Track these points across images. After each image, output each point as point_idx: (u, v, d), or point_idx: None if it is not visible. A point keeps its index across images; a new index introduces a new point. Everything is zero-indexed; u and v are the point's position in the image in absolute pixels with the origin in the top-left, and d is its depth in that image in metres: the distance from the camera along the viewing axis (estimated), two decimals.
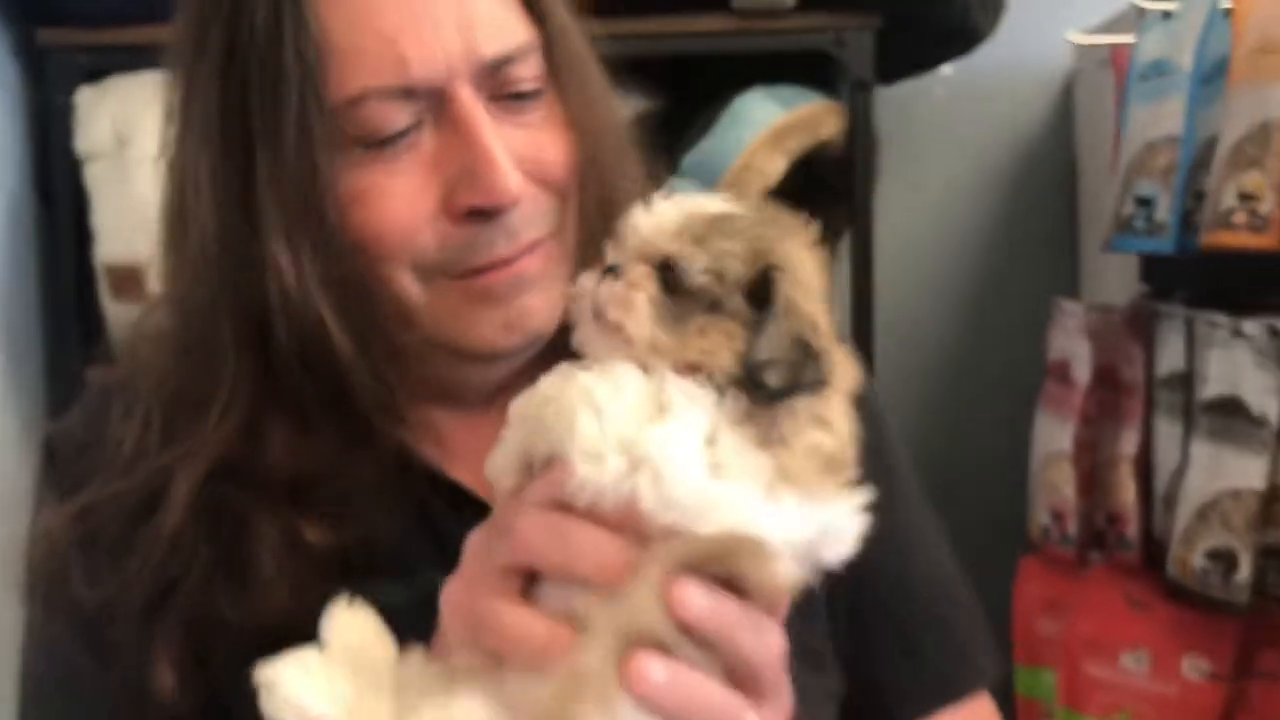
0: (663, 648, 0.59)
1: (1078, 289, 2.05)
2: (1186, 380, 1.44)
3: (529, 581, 0.64)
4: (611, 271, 0.67)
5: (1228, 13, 1.38)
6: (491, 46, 0.75)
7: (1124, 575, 1.56)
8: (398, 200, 0.75)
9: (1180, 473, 1.42)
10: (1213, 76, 1.40)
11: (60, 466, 0.85)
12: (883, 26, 1.74)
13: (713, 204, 0.67)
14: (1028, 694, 1.68)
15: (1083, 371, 1.60)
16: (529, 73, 0.78)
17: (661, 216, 0.66)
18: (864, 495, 0.66)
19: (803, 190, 1.87)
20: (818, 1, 1.71)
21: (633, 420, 0.61)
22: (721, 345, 0.63)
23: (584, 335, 0.69)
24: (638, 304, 0.65)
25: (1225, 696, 1.44)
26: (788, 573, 0.62)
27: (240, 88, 0.75)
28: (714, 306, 0.64)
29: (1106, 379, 1.61)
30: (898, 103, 2.07)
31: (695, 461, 0.61)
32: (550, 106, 0.80)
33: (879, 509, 0.68)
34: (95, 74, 1.70)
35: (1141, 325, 1.56)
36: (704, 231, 0.65)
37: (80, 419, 0.88)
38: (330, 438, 0.80)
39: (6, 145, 1.73)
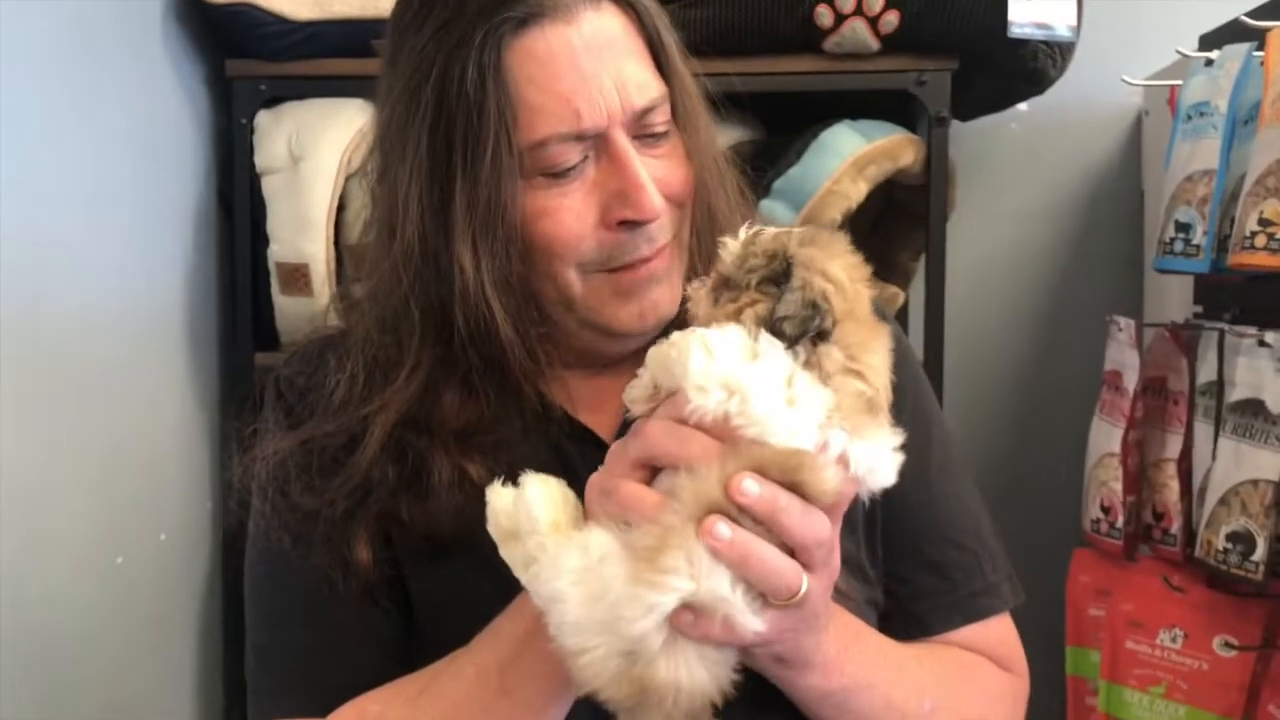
0: (732, 519, 0.79)
1: (1141, 309, 2.11)
2: (1220, 387, 1.55)
3: (650, 476, 0.84)
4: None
5: (1263, 62, 1.49)
6: (639, 100, 0.95)
7: (1166, 565, 1.68)
8: (570, 215, 0.96)
9: (1209, 466, 1.54)
10: (1249, 118, 1.52)
11: (286, 402, 1.06)
12: (959, 69, 1.85)
13: (770, 230, 0.91)
14: (1075, 672, 1.80)
15: (1132, 380, 1.70)
16: (662, 118, 0.98)
17: (735, 243, 0.90)
18: (900, 436, 0.86)
19: (884, 215, 2.04)
20: (900, 46, 1.81)
21: (733, 361, 0.83)
22: (745, 310, 0.86)
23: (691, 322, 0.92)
24: (701, 294, 0.90)
25: (1251, 670, 1.56)
26: (835, 481, 0.82)
27: (447, 134, 0.95)
28: (734, 287, 0.87)
29: (1155, 388, 1.72)
30: (978, 136, 2.20)
31: (775, 393, 0.82)
32: (674, 142, 1.00)
33: (910, 451, 0.87)
34: (273, 100, 1.90)
35: (1186, 340, 1.67)
36: (749, 241, 0.89)
37: (301, 366, 1.08)
38: (489, 397, 1.01)
39: (196, 160, 1.91)
